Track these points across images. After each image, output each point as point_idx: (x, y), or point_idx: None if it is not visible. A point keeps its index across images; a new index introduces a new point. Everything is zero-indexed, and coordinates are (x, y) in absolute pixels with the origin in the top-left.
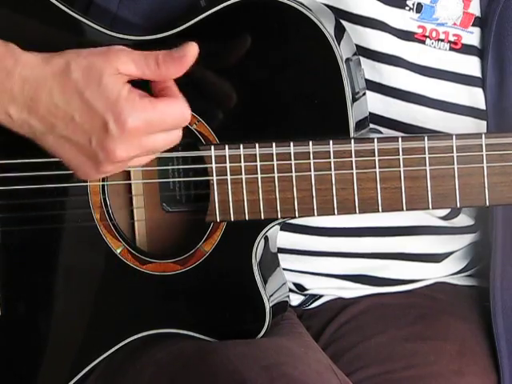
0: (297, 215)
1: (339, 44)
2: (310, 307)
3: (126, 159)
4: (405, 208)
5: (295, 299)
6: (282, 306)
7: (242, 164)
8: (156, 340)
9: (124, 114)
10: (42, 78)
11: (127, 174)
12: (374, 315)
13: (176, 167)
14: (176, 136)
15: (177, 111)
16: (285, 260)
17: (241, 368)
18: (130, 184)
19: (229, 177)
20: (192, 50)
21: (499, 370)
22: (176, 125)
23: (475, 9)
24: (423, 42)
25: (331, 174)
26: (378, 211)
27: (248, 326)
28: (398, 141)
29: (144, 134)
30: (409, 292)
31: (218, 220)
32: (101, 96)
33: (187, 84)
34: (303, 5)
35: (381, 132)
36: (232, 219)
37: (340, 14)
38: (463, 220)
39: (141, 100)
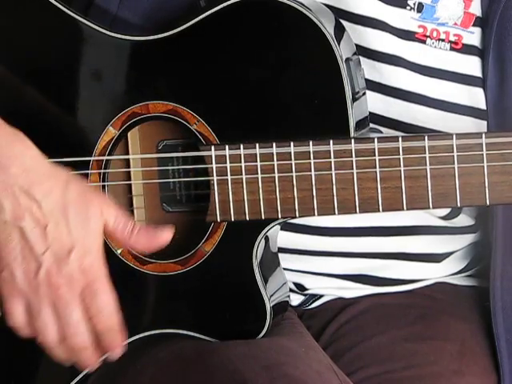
0: (297, 215)
1: (339, 44)
2: (310, 307)
3: (57, 290)
4: (405, 208)
5: (296, 299)
6: (282, 306)
7: (243, 164)
8: (157, 340)
9: (89, 258)
10: (45, 177)
11: (127, 175)
12: (374, 315)
13: (176, 167)
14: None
15: (110, 309)
16: (285, 260)
17: (241, 368)
18: (130, 184)
19: (229, 177)
20: (167, 235)
21: (499, 370)
22: (102, 311)
23: (476, 9)
24: (424, 42)
25: (331, 174)
26: (379, 211)
27: (249, 326)
28: (398, 140)
29: (86, 285)
30: (409, 292)
31: (219, 220)
32: (81, 226)
33: (187, 84)
34: (303, 5)
35: (381, 132)
36: (232, 219)
37: (340, 14)
38: (463, 220)
39: (104, 264)
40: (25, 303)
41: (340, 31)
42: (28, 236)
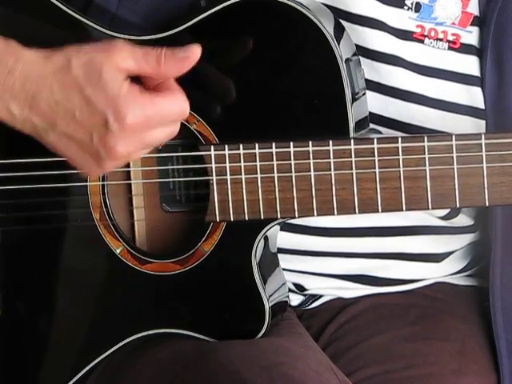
0: (296, 215)
1: (339, 44)
2: (309, 307)
3: (126, 155)
4: (404, 208)
5: (295, 299)
6: (281, 306)
7: (242, 164)
8: (156, 340)
9: (123, 111)
10: (43, 74)
11: (127, 174)
12: (373, 315)
13: (176, 167)
14: (175, 129)
15: (176, 105)
16: (284, 260)
17: (240, 368)
18: (130, 184)
19: (228, 177)
20: (196, 52)
21: (499, 370)
22: (175, 119)
23: (474, 8)
24: (422, 42)
25: (331, 174)
26: (378, 211)
27: (247, 326)
28: (397, 141)
29: (144, 129)
30: (409, 292)
31: (218, 220)
32: (101, 92)
33: (187, 83)
34: (303, 5)
35: (380, 132)
36: (232, 219)
37: (339, 14)
38: (463, 220)
39: (140, 96)
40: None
41: (339, 31)
42: (70, 133)
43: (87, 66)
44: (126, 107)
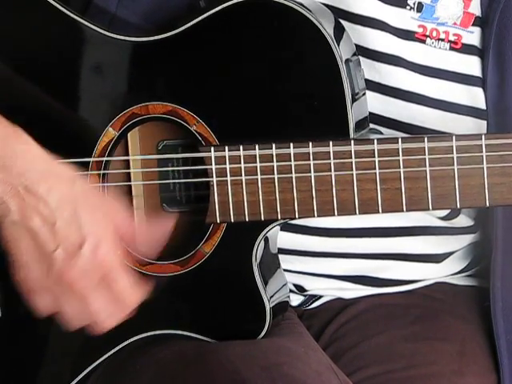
0: (297, 216)
1: (339, 44)
2: (310, 307)
3: (70, 285)
4: (405, 209)
5: (295, 299)
6: (282, 307)
7: (242, 165)
8: (156, 340)
9: (102, 248)
10: (48, 173)
11: (127, 175)
12: (374, 315)
13: (176, 168)
14: (115, 315)
15: (133, 290)
16: (285, 261)
17: (241, 368)
18: (130, 185)
19: (229, 178)
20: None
21: (499, 370)
22: (124, 297)
23: (476, 8)
24: (423, 42)
25: (331, 175)
26: (378, 212)
27: (248, 327)
28: (397, 142)
29: (103, 277)
30: (409, 292)
31: (218, 221)
32: (92, 220)
33: (187, 84)
34: (303, 5)
35: (381, 132)
36: (232, 220)
37: (340, 14)
38: (463, 220)
39: (119, 254)
40: (47, 298)
41: (339, 31)
42: (38, 235)
43: (90, 191)
44: (107, 247)
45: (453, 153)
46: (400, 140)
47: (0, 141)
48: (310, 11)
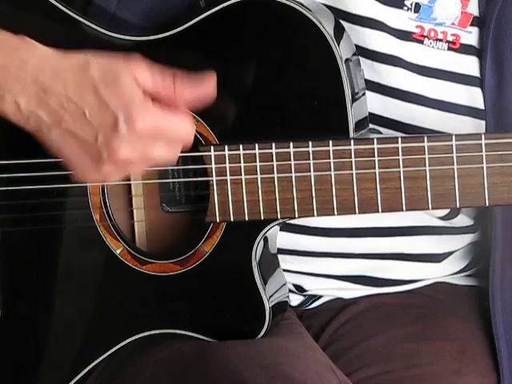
0: (296, 215)
1: (339, 44)
2: (309, 307)
3: (126, 161)
4: (404, 208)
5: (295, 299)
6: (281, 307)
7: (242, 164)
8: (156, 340)
9: (135, 115)
10: (59, 70)
11: (127, 175)
12: (373, 315)
13: (176, 168)
14: (176, 151)
15: (184, 127)
16: (284, 261)
17: (240, 368)
18: (130, 185)
19: (228, 177)
20: (211, 81)
21: (499, 370)
22: (180, 139)
23: (473, 9)
24: (421, 42)
25: (331, 175)
26: (378, 211)
27: (248, 327)
28: (397, 141)
29: (150, 139)
30: (409, 292)
31: (218, 220)
32: (115, 94)
33: None
34: (303, 5)
35: (380, 132)
36: (232, 220)
37: (339, 14)
38: (463, 220)
39: (153, 107)
40: (115, 176)
41: (339, 31)
42: (75, 132)
43: (105, 68)
44: (138, 113)
45: (452, 152)
46: (400, 139)
47: (9, 52)
48: (310, 11)
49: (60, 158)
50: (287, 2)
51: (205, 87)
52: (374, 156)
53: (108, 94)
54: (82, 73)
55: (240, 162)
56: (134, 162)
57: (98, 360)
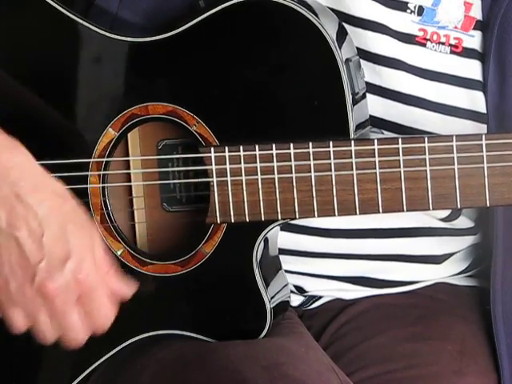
0: (297, 216)
1: (340, 47)
2: (310, 307)
3: (49, 297)
4: (405, 209)
5: (295, 300)
6: (282, 306)
7: (242, 165)
8: (157, 340)
9: (86, 266)
10: (41, 187)
11: (127, 176)
12: (374, 315)
13: (176, 169)
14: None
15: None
16: (285, 261)
17: (241, 368)
18: (131, 186)
19: (229, 178)
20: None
21: (499, 370)
22: (98, 318)
23: (477, 12)
24: (424, 45)
25: (331, 175)
26: (379, 212)
27: (249, 327)
28: (398, 142)
29: (84, 292)
30: (409, 292)
31: (219, 221)
32: (81, 237)
33: (187, 85)
34: (303, 6)
35: (382, 133)
36: (232, 221)
37: (341, 17)
38: (464, 222)
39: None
40: (22, 311)
41: (342, 35)
42: (23, 245)
43: (82, 214)
44: (91, 266)
45: (453, 152)
46: (400, 140)
47: None
48: (311, 11)
49: None
50: (287, 3)
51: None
52: (374, 156)
53: (72, 231)
54: (60, 201)
55: (240, 163)
56: (52, 307)
57: (100, 361)
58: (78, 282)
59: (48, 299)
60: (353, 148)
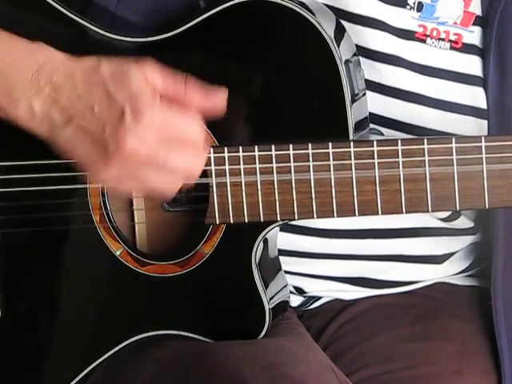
0: (296, 217)
1: (339, 45)
2: (309, 308)
3: (133, 154)
4: (404, 211)
5: (295, 300)
6: (282, 307)
7: (242, 166)
8: (156, 340)
9: (142, 108)
10: (71, 71)
11: None
12: (374, 315)
13: None
14: (187, 159)
15: (192, 126)
16: (284, 263)
17: (240, 368)
18: None
19: (228, 179)
20: (222, 96)
21: (499, 370)
22: (189, 139)
23: (476, 8)
24: (424, 42)
25: (330, 177)
26: (378, 214)
27: (248, 328)
28: (397, 143)
29: (158, 134)
30: (409, 292)
31: (218, 222)
32: (123, 89)
33: None
34: (303, 7)
35: (381, 132)
36: (231, 221)
37: (340, 14)
38: (464, 222)
39: (162, 103)
40: (127, 182)
41: (340, 32)
42: (85, 126)
43: (115, 68)
44: (145, 105)
45: (452, 154)
46: (399, 141)
47: (25, 56)
48: (310, 12)
49: (72, 158)
50: (287, 4)
51: (215, 99)
52: (373, 158)
53: (116, 89)
54: (93, 72)
55: (239, 164)
56: (141, 160)
57: (99, 360)
58: (147, 127)
59: (134, 158)
60: (352, 149)
